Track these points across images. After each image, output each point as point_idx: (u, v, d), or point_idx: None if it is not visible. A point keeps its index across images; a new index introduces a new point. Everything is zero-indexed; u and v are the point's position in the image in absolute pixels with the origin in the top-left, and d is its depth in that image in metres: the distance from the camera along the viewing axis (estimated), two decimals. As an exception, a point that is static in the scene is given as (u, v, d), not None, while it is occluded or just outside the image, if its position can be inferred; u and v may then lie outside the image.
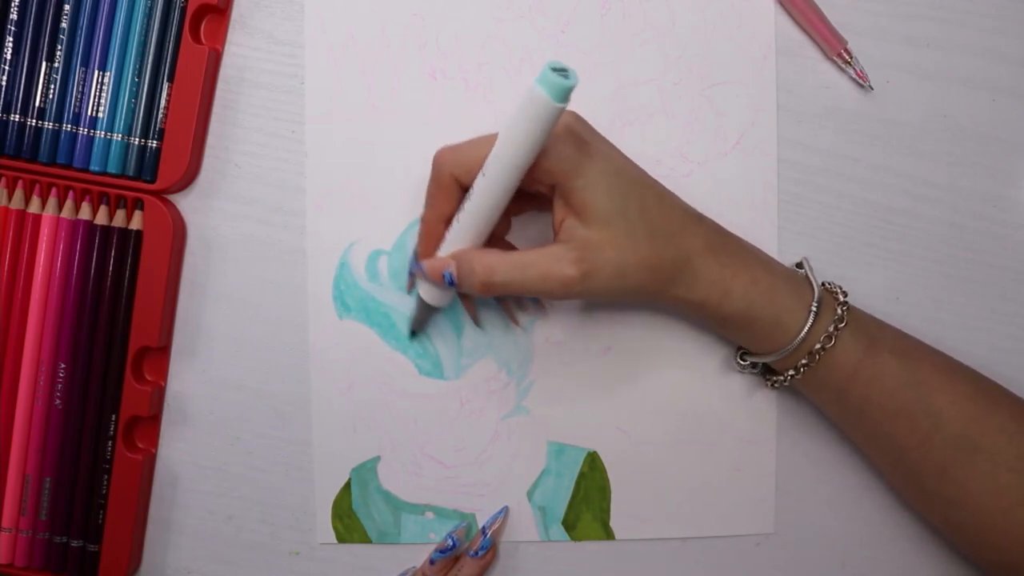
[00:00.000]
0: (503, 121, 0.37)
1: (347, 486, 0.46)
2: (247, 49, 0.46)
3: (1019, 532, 0.40)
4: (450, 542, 0.44)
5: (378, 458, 0.46)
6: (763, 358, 0.42)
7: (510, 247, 0.44)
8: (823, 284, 0.43)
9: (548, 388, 0.46)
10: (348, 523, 0.47)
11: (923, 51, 0.46)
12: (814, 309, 0.40)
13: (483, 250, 0.39)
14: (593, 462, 0.46)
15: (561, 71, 0.34)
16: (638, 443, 0.46)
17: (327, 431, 0.46)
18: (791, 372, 0.42)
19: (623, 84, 0.46)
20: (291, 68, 0.46)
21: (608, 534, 0.46)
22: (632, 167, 0.40)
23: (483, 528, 0.46)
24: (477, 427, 0.46)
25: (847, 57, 0.45)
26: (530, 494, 0.46)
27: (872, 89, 0.45)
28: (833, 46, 0.45)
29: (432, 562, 0.45)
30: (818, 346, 0.40)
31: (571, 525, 0.46)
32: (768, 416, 0.46)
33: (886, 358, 0.41)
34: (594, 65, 0.46)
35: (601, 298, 0.39)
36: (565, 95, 0.35)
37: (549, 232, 0.41)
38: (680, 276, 0.40)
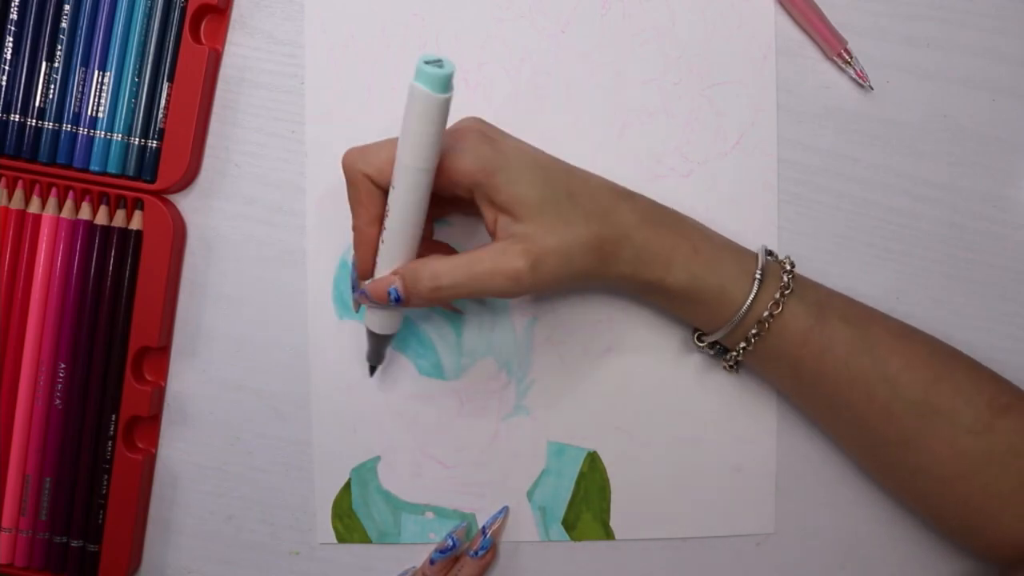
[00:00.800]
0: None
1: (347, 486, 0.46)
2: (247, 49, 0.46)
3: (980, 497, 0.40)
4: (450, 542, 0.44)
5: (378, 458, 0.46)
6: (715, 335, 0.42)
7: (450, 251, 0.43)
8: (769, 253, 0.42)
9: (548, 388, 0.46)
10: (348, 523, 0.47)
11: (923, 51, 0.46)
12: (758, 276, 0.40)
13: (425, 258, 0.39)
14: (593, 462, 0.46)
15: (435, 62, 0.34)
16: (638, 443, 0.46)
17: (327, 431, 0.46)
18: (743, 345, 0.41)
19: (623, 84, 0.46)
20: (291, 68, 0.46)
21: (608, 534, 0.46)
22: (549, 157, 0.40)
23: (483, 528, 0.46)
24: (477, 427, 0.46)
25: (847, 57, 0.45)
26: (530, 494, 0.46)
27: (872, 89, 0.45)
28: (833, 46, 0.45)
29: (432, 562, 0.45)
30: (766, 314, 0.40)
31: (571, 525, 0.46)
32: (768, 416, 0.46)
33: (837, 325, 0.41)
34: (594, 65, 0.46)
35: (550, 287, 0.38)
36: (444, 84, 0.34)
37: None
38: (621, 252, 0.39)
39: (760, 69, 0.46)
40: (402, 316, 0.42)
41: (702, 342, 0.44)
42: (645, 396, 0.46)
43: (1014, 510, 0.40)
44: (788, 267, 0.41)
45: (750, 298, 0.40)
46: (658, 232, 0.40)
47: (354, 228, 0.40)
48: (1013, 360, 0.46)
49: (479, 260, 0.37)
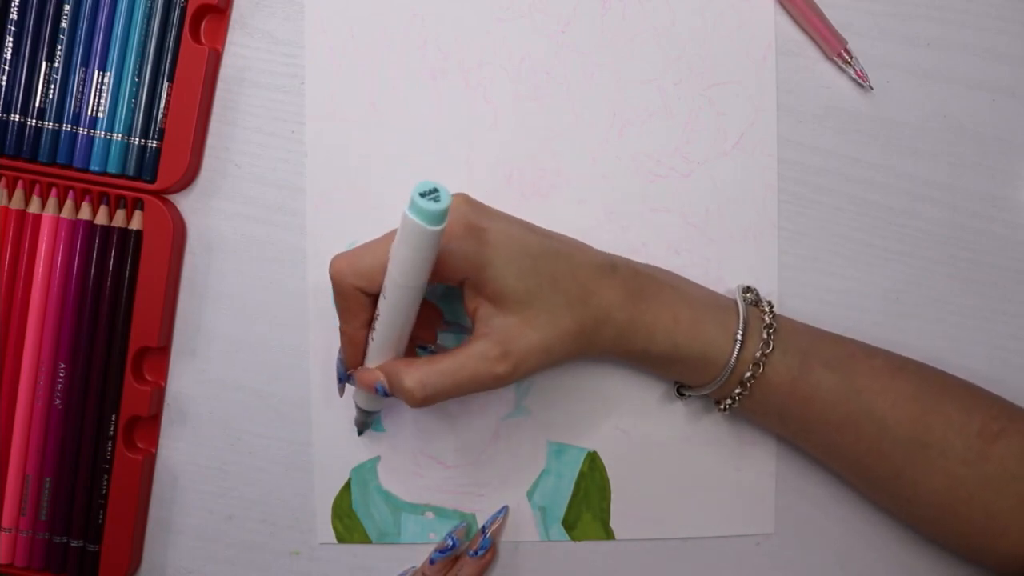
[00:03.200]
0: (393, 243, 0.36)
1: (347, 486, 0.46)
2: (247, 49, 0.46)
3: (982, 518, 0.40)
4: (450, 542, 0.45)
5: (378, 458, 0.46)
6: (698, 391, 0.43)
7: (438, 322, 0.44)
8: (755, 303, 0.43)
9: (548, 388, 0.46)
10: (348, 523, 0.47)
11: (923, 51, 0.46)
12: (738, 339, 0.40)
13: (411, 363, 0.39)
14: (593, 462, 0.46)
15: (431, 193, 0.34)
16: (638, 443, 0.46)
17: (327, 431, 0.46)
18: (728, 401, 0.42)
19: (623, 84, 0.46)
20: (291, 68, 0.46)
21: (608, 534, 0.46)
22: (536, 238, 0.39)
23: (483, 528, 0.46)
24: (477, 427, 0.46)
25: (847, 57, 0.45)
26: (530, 494, 0.46)
27: (872, 89, 0.45)
28: (833, 46, 0.45)
29: (432, 562, 0.45)
30: (748, 374, 0.40)
31: (571, 525, 0.46)
32: (768, 416, 0.46)
33: (820, 372, 0.41)
34: (594, 65, 0.46)
35: (531, 375, 0.39)
36: (439, 218, 0.34)
37: None
38: (602, 334, 0.40)
39: (760, 69, 0.46)
40: (389, 401, 0.42)
41: (683, 395, 0.44)
42: (645, 396, 0.46)
43: (1018, 525, 0.40)
44: (768, 317, 0.41)
45: (732, 360, 0.40)
46: (639, 308, 0.40)
47: (342, 332, 0.40)
48: (1013, 360, 0.46)
49: (462, 367, 0.38)
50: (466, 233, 0.37)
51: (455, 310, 0.45)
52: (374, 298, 0.38)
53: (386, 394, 0.39)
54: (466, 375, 0.38)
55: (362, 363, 0.40)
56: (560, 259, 0.39)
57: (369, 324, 0.39)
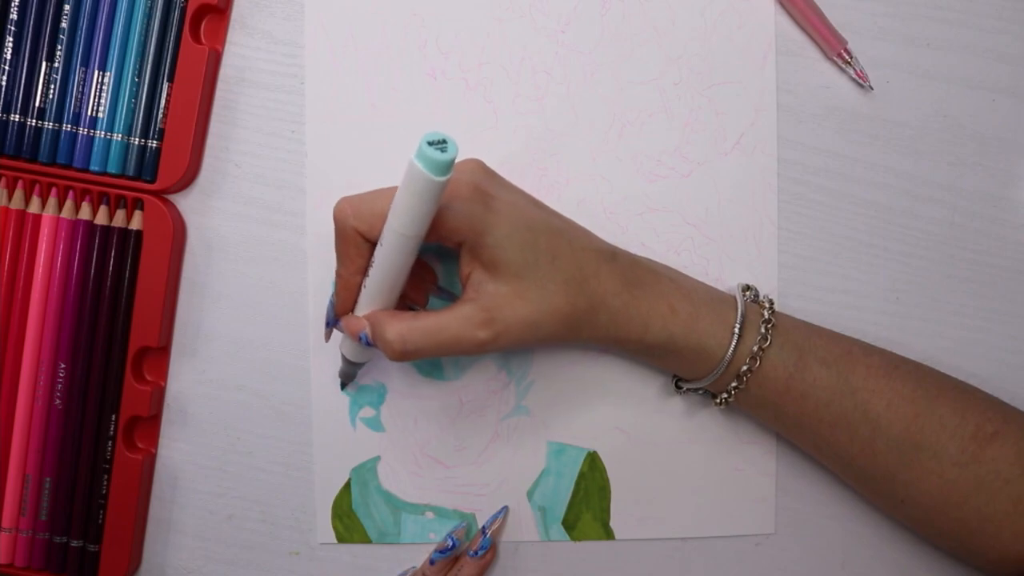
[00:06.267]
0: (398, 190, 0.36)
1: (347, 486, 0.46)
2: (247, 49, 0.46)
3: (975, 520, 0.40)
4: (450, 542, 0.45)
5: (378, 458, 0.46)
6: (695, 384, 0.43)
7: (430, 277, 0.44)
8: (754, 299, 0.43)
9: (548, 388, 0.46)
10: (348, 523, 0.47)
11: (923, 51, 0.46)
12: (736, 331, 0.40)
13: (395, 315, 0.39)
14: (593, 462, 0.46)
15: (439, 143, 0.34)
16: (638, 443, 0.46)
17: (327, 431, 0.46)
18: (725, 395, 0.42)
19: (623, 84, 0.46)
20: (291, 68, 0.46)
21: (608, 534, 0.46)
22: (541, 215, 0.40)
23: (483, 528, 0.46)
24: (477, 427, 0.46)
25: (847, 57, 0.45)
26: (530, 494, 0.46)
27: (872, 89, 0.45)
28: (833, 46, 0.45)
29: (432, 562, 0.45)
30: (745, 368, 0.40)
31: (571, 525, 0.46)
32: (768, 416, 0.46)
33: (817, 369, 0.41)
34: (594, 65, 0.46)
35: (515, 348, 0.39)
36: (444, 169, 0.34)
37: None
38: (596, 319, 0.40)
39: (760, 69, 0.46)
40: (374, 353, 0.42)
41: (681, 388, 0.44)
42: (645, 396, 0.46)
43: (1012, 528, 0.40)
44: (767, 311, 0.41)
45: (729, 353, 0.40)
46: (635, 296, 0.40)
47: (337, 275, 0.40)
48: (1012, 360, 0.46)
49: (444, 327, 0.38)
50: (474, 195, 0.38)
51: (450, 278, 0.45)
52: (372, 245, 0.38)
53: (368, 344, 0.39)
54: (448, 336, 0.38)
55: (352, 311, 0.40)
56: (563, 239, 0.39)
57: (364, 271, 0.39)
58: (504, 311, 0.38)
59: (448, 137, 0.34)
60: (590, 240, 0.41)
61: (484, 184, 0.38)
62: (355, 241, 0.39)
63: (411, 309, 0.44)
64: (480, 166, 0.39)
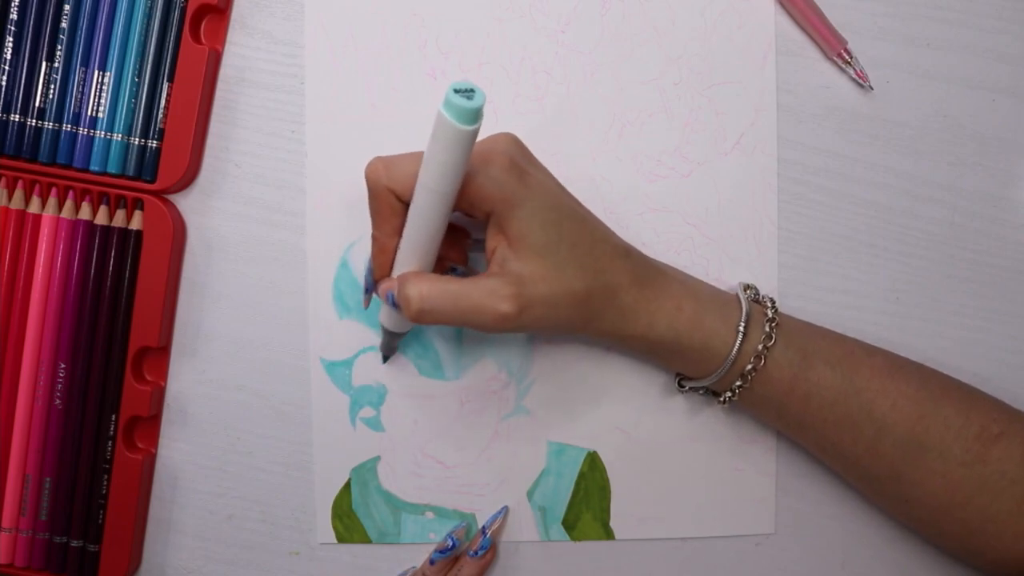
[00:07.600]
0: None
1: (347, 486, 0.46)
2: (247, 49, 0.46)
3: (978, 521, 0.40)
4: (450, 542, 0.45)
5: (378, 458, 0.46)
6: (699, 383, 0.43)
7: (463, 238, 0.43)
8: (756, 300, 0.43)
9: (548, 388, 0.46)
10: (348, 523, 0.47)
11: (923, 51, 0.46)
12: (741, 331, 0.40)
13: (421, 276, 0.38)
14: (593, 462, 0.46)
15: (467, 92, 0.33)
16: (638, 443, 0.46)
17: (327, 431, 0.46)
18: (728, 394, 0.42)
19: (623, 84, 0.46)
20: (291, 68, 0.46)
21: (608, 534, 0.46)
22: (568, 200, 0.40)
23: (483, 528, 0.46)
24: (477, 427, 0.46)
25: (847, 57, 0.45)
26: (530, 494, 0.46)
27: (872, 89, 0.45)
28: (833, 46, 0.45)
29: (432, 562, 0.45)
30: (749, 367, 0.40)
31: (571, 525, 0.46)
32: (768, 416, 0.46)
33: (821, 370, 0.41)
34: (594, 65, 0.46)
35: (531, 331, 0.39)
36: (472, 117, 0.33)
37: None
38: (606, 310, 0.40)
39: (760, 69, 0.46)
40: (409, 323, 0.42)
41: (684, 387, 0.44)
42: (645, 396, 0.46)
43: (1014, 530, 0.40)
44: (771, 311, 0.41)
45: (733, 352, 0.40)
46: (644, 293, 0.40)
47: (373, 237, 0.40)
48: (1012, 360, 0.46)
49: (468, 295, 0.37)
50: (510, 167, 0.38)
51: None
52: (406, 206, 0.38)
53: (395, 304, 0.39)
54: (470, 303, 0.37)
55: (389, 274, 0.40)
56: (585, 228, 0.40)
57: (399, 232, 0.39)
58: (528, 287, 0.38)
59: (475, 86, 0.33)
60: (607, 234, 0.41)
61: (519, 159, 0.38)
62: (388, 201, 0.38)
63: (452, 270, 0.43)
64: (517, 140, 0.39)
